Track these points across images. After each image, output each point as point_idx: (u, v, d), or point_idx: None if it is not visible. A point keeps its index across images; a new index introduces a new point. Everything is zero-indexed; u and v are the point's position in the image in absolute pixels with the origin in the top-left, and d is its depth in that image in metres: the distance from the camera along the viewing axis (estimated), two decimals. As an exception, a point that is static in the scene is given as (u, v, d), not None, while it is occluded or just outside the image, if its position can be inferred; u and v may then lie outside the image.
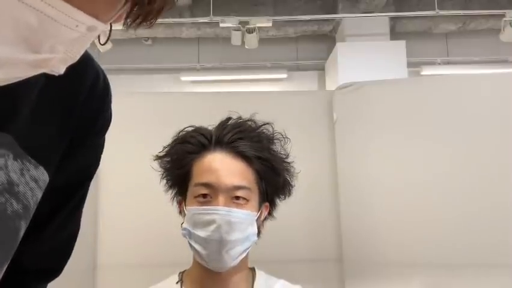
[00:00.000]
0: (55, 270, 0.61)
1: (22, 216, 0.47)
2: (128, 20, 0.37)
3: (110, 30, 0.41)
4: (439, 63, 5.33)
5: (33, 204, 0.49)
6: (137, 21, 0.37)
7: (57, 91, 0.40)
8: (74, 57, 0.37)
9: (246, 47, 4.56)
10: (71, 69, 0.38)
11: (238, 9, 4.73)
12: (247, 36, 4.43)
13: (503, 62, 5.32)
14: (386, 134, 1.44)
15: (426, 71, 5.13)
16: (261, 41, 4.64)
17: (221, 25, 4.38)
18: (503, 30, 4.25)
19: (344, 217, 1.44)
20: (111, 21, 0.37)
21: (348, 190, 1.44)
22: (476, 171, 1.37)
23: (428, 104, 1.44)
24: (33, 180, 0.48)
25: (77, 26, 0.34)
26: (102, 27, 0.36)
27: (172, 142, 1.01)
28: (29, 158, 0.46)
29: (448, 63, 5.44)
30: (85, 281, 1.37)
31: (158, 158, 1.01)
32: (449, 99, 1.43)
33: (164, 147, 1.01)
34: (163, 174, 1.02)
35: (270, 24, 4.49)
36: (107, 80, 0.57)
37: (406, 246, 1.38)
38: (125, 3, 0.35)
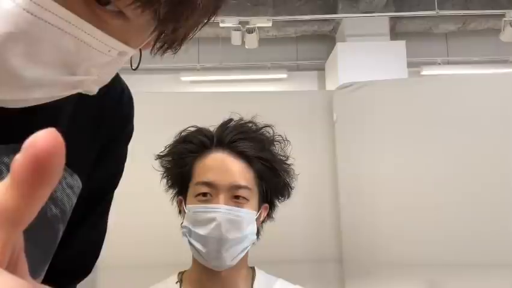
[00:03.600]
0: (84, 271, 0.66)
1: (60, 220, 0.51)
2: (155, 47, 0.41)
3: (140, 55, 0.45)
4: (439, 63, 5.33)
5: (69, 209, 0.53)
6: (164, 48, 0.41)
7: (89, 105, 0.44)
8: (106, 79, 0.41)
9: (246, 47, 4.55)
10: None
11: (238, 9, 4.73)
12: (247, 36, 4.42)
13: (503, 62, 5.31)
14: (386, 134, 1.44)
15: (426, 71, 5.13)
16: (261, 41, 4.64)
17: (221, 25, 4.37)
18: (503, 30, 4.24)
19: (344, 217, 1.43)
20: (140, 47, 0.42)
21: (348, 190, 1.44)
22: (476, 171, 1.37)
23: (428, 104, 1.44)
24: (69, 187, 0.52)
25: (109, 51, 0.38)
26: (132, 52, 0.40)
27: (174, 141, 1.02)
28: (65, 167, 0.50)
29: (448, 63, 5.44)
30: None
31: (159, 157, 1.02)
32: (449, 99, 1.43)
33: (166, 147, 1.01)
34: (163, 174, 1.02)
35: (270, 24, 4.49)
36: (130, 93, 0.63)
37: (406, 246, 1.38)
38: (152, 32, 0.39)
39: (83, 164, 0.55)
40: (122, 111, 0.61)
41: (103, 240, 0.67)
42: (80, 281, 0.66)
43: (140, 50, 0.43)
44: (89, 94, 0.41)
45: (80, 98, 0.45)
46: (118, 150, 0.63)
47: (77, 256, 0.62)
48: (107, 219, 0.68)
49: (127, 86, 0.62)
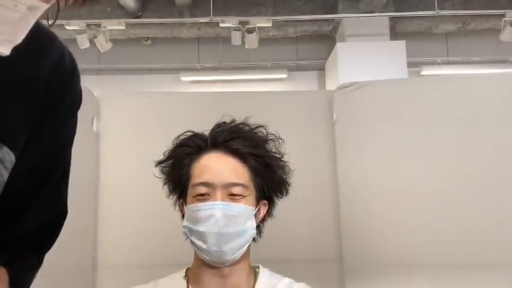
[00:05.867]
0: (46, 245, 0.64)
1: None
2: None
3: (58, 10, 0.41)
4: (439, 63, 5.33)
5: (0, 183, 0.50)
6: None
7: (17, 70, 0.40)
8: (18, 38, 0.37)
9: (246, 47, 4.55)
10: (32, 47, 0.38)
11: (238, 9, 4.73)
12: (247, 36, 4.42)
13: (503, 62, 5.31)
14: (386, 134, 1.44)
15: (426, 71, 5.13)
16: (261, 41, 4.64)
17: (221, 25, 4.37)
18: (503, 30, 4.24)
19: (344, 217, 1.44)
20: (53, 1, 0.38)
21: (348, 190, 1.44)
22: (476, 171, 1.37)
23: (428, 104, 1.44)
24: None
25: (15, 5, 0.34)
26: (44, 7, 0.36)
27: (172, 147, 1.04)
28: None
29: (448, 63, 5.43)
30: (85, 281, 1.37)
31: (159, 163, 1.04)
32: (449, 99, 1.43)
33: (164, 153, 1.04)
34: (164, 180, 1.05)
35: (270, 24, 4.49)
36: (73, 57, 0.58)
37: (406, 246, 1.38)
38: None
39: (14, 136, 0.51)
40: (62, 77, 0.56)
41: (64, 217, 0.64)
42: (40, 255, 0.63)
43: (58, 4, 0.40)
44: (2, 55, 0.38)
45: (3, 64, 0.41)
46: (64, 119, 0.58)
47: (37, 230, 0.60)
48: (65, 194, 0.64)
49: (67, 48, 0.57)
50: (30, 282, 0.63)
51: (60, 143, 0.60)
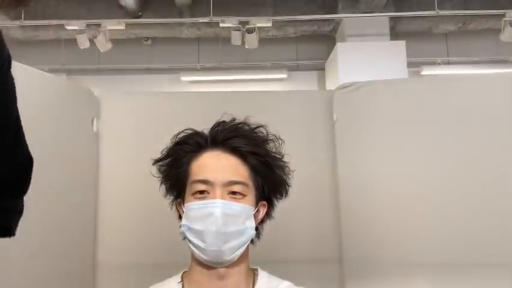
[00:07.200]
0: (15, 188, 0.68)
1: None
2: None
3: None
4: (439, 63, 5.33)
5: None
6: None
7: None
8: None
9: (246, 47, 4.55)
10: None
11: (238, 9, 4.73)
12: (247, 36, 4.42)
13: (503, 62, 5.31)
14: (386, 134, 1.44)
15: (426, 71, 5.13)
16: (261, 41, 4.64)
17: (221, 25, 4.37)
18: (503, 30, 4.24)
19: (344, 217, 1.43)
20: None
21: (348, 190, 1.44)
22: (476, 171, 1.37)
23: (428, 104, 1.44)
24: None
25: None
26: None
27: (170, 145, 1.03)
28: None
29: (448, 63, 5.44)
30: (85, 281, 1.37)
31: (156, 161, 1.03)
32: (449, 99, 1.43)
33: (162, 152, 1.03)
34: (162, 179, 1.03)
35: (270, 24, 4.49)
36: None
37: (406, 246, 1.38)
38: None
39: None
40: None
41: (29, 160, 0.69)
42: (18, 196, 0.68)
43: None
44: None
45: None
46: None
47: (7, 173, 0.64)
48: (24, 142, 0.68)
49: None
50: (10, 221, 0.67)
51: (4, 99, 0.63)
